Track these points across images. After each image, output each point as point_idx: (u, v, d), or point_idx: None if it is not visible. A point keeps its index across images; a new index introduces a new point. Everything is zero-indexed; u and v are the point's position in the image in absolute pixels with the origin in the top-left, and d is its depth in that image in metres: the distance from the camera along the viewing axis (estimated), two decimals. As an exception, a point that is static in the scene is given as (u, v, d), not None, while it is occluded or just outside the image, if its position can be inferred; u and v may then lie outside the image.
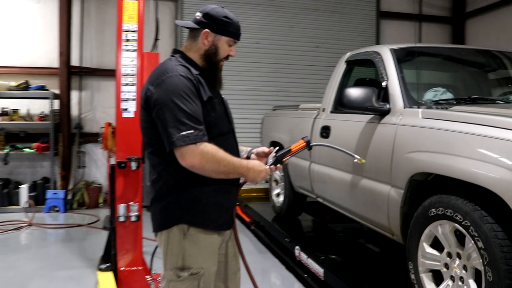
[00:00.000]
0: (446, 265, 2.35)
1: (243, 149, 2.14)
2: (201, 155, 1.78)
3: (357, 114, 3.30)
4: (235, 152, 2.02)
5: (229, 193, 2.01)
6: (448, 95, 2.93)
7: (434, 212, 2.34)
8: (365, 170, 3.09)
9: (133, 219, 3.49)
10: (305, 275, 3.54)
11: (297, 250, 3.85)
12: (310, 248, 3.75)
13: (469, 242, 2.13)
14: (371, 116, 3.11)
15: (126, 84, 3.59)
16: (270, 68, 7.66)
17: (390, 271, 3.29)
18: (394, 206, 2.73)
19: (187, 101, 1.80)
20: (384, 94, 3.06)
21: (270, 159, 2.02)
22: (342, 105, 3.06)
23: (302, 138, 2.06)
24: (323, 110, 4.03)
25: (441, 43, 7.98)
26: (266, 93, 7.61)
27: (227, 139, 2.00)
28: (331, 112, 3.93)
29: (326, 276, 3.35)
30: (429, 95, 2.89)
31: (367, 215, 3.10)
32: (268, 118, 5.65)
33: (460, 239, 2.27)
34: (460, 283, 2.25)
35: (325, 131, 3.79)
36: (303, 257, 3.70)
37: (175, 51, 2.04)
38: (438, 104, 2.82)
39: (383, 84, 3.09)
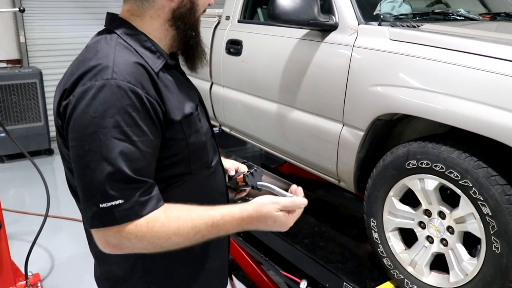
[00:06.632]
0: (421, 224, 1.97)
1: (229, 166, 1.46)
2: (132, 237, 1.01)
3: (278, 27, 2.59)
4: (223, 191, 1.34)
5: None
6: (406, 7, 2.36)
7: (414, 165, 1.87)
8: (299, 101, 2.47)
9: None
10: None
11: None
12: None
13: (466, 205, 1.73)
14: (307, 31, 2.42)
15: None
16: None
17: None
18: (347, 150, 2.21)
19: (128, 138, 0.99)
20: (323, 4, 2.36)
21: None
22: (272, 17, 2.29)
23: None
24: (227, 18, 3.18)
25: None
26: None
27: (215, 174, 1.27)
28: (239, 21, 3.12)
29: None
30: (386, 7, 2.28)
31: (303, 155, 2.54)
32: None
33: (443, 194, 1.88)
34: (442, 246, 1.90)
35: (234, 47, 3.01)
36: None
37: (113, 20, 1.16)
38: (398, 19, 2.24)
39: (322, -12, 2.38)
